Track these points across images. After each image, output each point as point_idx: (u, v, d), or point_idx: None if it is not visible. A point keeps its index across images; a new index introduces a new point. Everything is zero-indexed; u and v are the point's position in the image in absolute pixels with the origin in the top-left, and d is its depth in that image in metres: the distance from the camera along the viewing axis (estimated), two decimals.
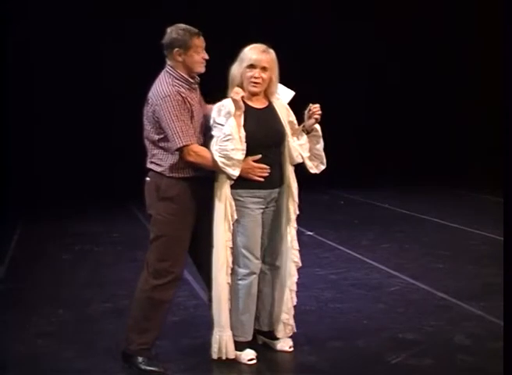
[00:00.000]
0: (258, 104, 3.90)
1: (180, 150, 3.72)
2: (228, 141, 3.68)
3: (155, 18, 10.60)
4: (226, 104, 3.79)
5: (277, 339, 4.11)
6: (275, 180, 3.89)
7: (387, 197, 9.78)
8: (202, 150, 3.76)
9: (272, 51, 3.85)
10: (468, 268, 5.92)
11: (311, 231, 7.57)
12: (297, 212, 3.99)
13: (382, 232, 7.55)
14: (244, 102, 3.79)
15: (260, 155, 3.79)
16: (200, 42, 3.83)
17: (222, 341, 3.88)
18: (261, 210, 3.90)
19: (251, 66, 3.79)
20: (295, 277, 4.05)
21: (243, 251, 3.86)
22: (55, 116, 10.85)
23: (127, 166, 8.37)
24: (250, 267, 3.88)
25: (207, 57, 3.86)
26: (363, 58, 12.08)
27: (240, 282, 3.89)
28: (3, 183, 10.21)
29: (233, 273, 3.88)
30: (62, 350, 4.26)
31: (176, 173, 3.81)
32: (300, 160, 3.96)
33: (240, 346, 3.93)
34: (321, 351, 4.12)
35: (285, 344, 4.10)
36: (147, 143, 3.89)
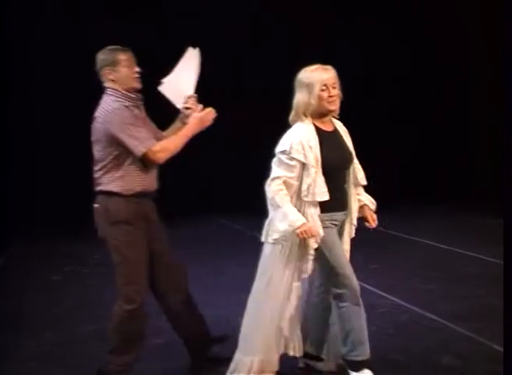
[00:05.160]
0: (328, 127, 3.87)
1: (144, 156, 3.73)
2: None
3: (155, 18, 10.76)
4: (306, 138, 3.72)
5: (321, 360, 4.08)
6: (346, 201, 3.91)
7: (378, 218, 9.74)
8: (162, 144, 3.76)
9: (331, 67, 3.84)
10: (458, 289, 5.90)
11: None
12: (353, 235, 3.98)
13: (372, 253, 7.53)
14: (319, 128, 3.78)
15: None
16: (126, 56, 3.88)
17: None
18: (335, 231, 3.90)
19: (324, 87, 3.73)
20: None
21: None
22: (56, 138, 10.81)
23: None
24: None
25: (138, 69, 3.90)
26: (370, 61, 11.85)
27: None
28: None
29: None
30: (51, 372, 4.22)
31: (125, 192, 3.78)
32: (365, 182, 3.96)
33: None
34: (311, 372, 4.08)
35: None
36: (95, 164, 3.87)
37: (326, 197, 3.71)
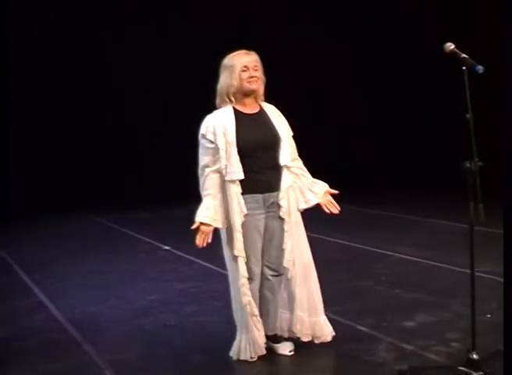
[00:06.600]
0: (251, 109, 4.00)
1: None
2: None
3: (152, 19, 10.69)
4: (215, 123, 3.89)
5: (278, 343, 4.15)
6: (274, 183, 3.94)
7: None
8: None
9: (254, 53, 4.01)
10: (322, 275, 6.08)
11: (167, 246, 7.57)
12: (283, 216, 3.96)
13: None
14: (238, 110, 3.94)
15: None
16: None
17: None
18: (263, 215, 3.94)
19: (245, 68, 3.91)
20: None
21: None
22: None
23: None
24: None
25: None
26: (365, 59, 11.88)
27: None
28: None
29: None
30: None
31: None
32: (285, 162, 3.95)
33: None
34: (184, 364, 4.11)
35: (285, 348, 4.14)
36: None
37: (241, 176, 3.84)
